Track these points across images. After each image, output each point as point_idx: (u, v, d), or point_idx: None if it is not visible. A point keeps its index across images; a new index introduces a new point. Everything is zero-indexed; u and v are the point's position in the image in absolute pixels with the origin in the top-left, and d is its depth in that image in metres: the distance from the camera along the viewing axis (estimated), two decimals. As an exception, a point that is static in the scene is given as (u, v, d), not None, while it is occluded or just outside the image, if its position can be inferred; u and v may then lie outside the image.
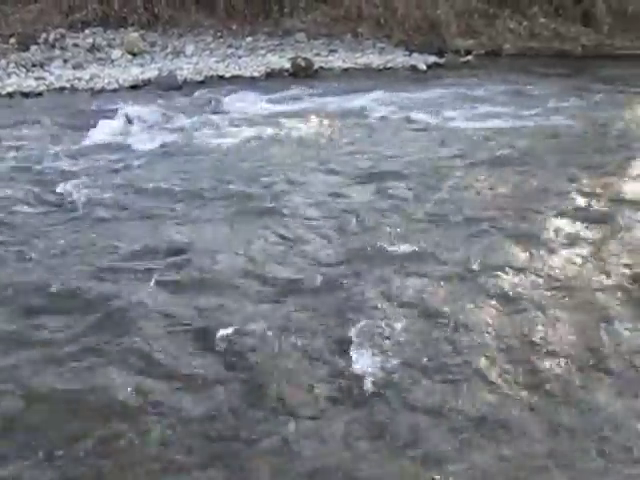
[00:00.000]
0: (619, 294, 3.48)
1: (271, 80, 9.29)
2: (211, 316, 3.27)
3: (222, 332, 3.10)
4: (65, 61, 9.88)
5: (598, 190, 4.98)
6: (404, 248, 3.98)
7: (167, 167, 5.59)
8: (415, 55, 10.32)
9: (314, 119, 7.01)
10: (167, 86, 8.80)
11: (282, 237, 4.16)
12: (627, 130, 6.79)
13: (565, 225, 4.36)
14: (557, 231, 4.26)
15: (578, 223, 4.37)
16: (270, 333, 3.11)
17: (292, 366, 2.90)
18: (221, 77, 9.52)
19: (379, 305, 3.37)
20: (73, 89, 8.83)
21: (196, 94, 8.45)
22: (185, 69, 9.62)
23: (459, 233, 4.23)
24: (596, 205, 4.69)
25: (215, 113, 7.47)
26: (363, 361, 2.89)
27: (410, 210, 4.59)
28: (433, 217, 4.46)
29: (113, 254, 3.94)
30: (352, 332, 3.10)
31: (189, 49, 10.66)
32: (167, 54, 10.49)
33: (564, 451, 2.43)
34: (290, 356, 2.97)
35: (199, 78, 9.42)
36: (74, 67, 9.63)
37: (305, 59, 9.69)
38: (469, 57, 10.35)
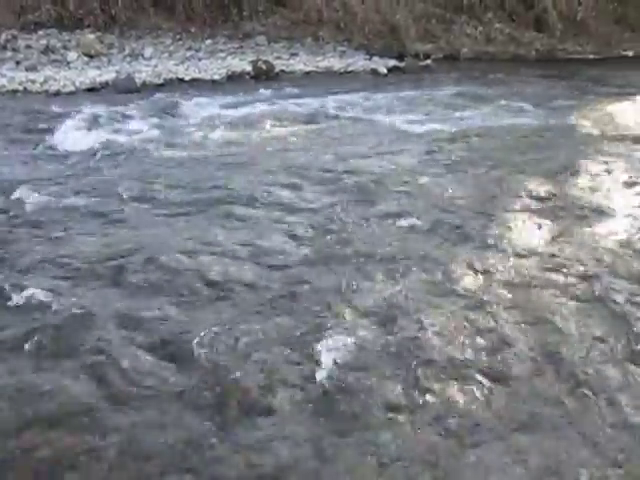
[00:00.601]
0: (572, 292, 3.60)
1: (232, 83, 9.24)
2: (167, 322, 3.22)
3: (180, 339, 3.05)
4: (18, 63, 9.58)
5: (555, 190, 5.13)
6: (364, 250, 4.02)
7: (124, 171, 5.48)
8: (375, 59, 10.43)
9: (276, 122, 7.00)
10: (125, 89, 8.65)
11: (242, 242, 4.12)
12: (581, 131, 7.02)
13: (523, 224, 4.47)
14: (516, 230, 4.37)
15: (535, 223, 4.50)
16: (230, 338, 3.08)
17: (254, 371, 2.88)
18: (181, 80, 9.42)
19: (341, 308, 3.38)
20: (26, 92, 8.57)
21: (155, 97, 8.31)
22: (144, 72, 9.47)
23: (420, 234, 4.29)
24: (552, 205, 4.83)
25: (175, 116, 7.37)
26: (326, 364, 2.89)
27: (373, 213, 4.62)
28: (394, 219, 4.50)
29: (65, 258, 3.84)
30: (314, 335, 3.10)
31: (148, 52, 10.51)
32: (125, 56, 10.31)
33: (523, 447, 2.49)
34: (251, 361, 2.95)
35: (158, 81, 9.29)
36: (27, 69, 9.35)
37: (266, 62, 9.68)
38: (428, 61, 10.53)
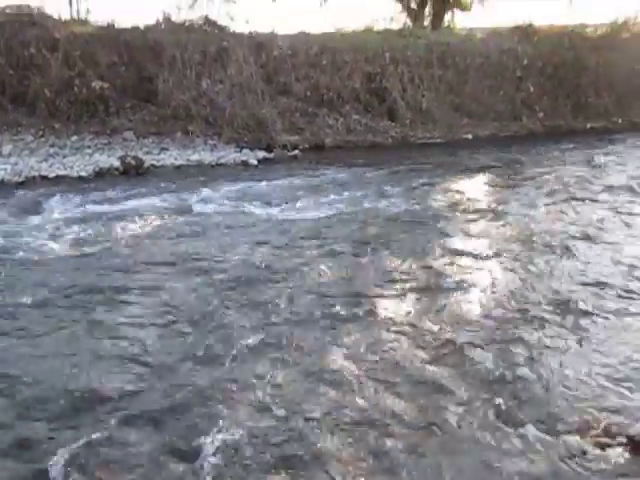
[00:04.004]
0: (440, 364, 3.87)
1: (100, 180, 9.07)
2: (30, 442, 2.98)
3: (46, 459, 2.83)
4: None
5: (418, 268, 5.55)
6: (242, 343, 4.05)
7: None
8: (246, 151, 10.83)
9: (143, 218, 6.94)
10: (-19, 190, 8.15)
11: (109, 344, 3.99)
12: (436, 210, 7.73)
13: (391, 303, 4.78)
14: (383, 310, 4.65)
15: (403, 301, 4.83)
16: (104, 449, 2.91)
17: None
18: (44, 177, 9.09)
19: (224, 405, 3.34)
20: None
21: (15, 196, 7.93)
22: (2, 170, 9.03)
23: (296, 321, 4.42)
24: (417, 282, 5.22)
25: (36, 216, 7.05)
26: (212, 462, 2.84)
27: (247, 304, 4.69)
28: (268, 308, 4.61)
29: None
30: (198, 437, 3.03)
31: (6, 149, 10.05)
32: (-20, 155, 9.77)
33: None
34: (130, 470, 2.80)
35: (19, 179, 8.90)
36: None
37: (135, 157, 9.66)
38: (296, 151, 11.15)
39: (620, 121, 15.19)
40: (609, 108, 15.21)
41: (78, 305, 4.62)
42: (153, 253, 5.87)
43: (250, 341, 4.08)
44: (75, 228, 6.54)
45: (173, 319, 4.40)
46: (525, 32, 15.84)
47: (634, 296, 4.84)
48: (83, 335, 4.13)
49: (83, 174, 9.28)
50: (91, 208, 7.35)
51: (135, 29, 12.15)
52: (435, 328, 4.36)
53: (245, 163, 10.35)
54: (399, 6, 19.41)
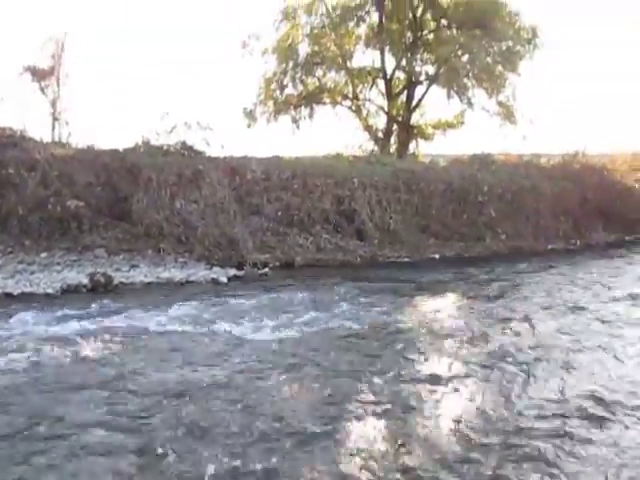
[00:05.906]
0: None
1: (67, 297, 8.94)
2: None
3: None
4: None
5: (386, 390, 5.47)
6: (190, 465, 3.86)
7: None
8: (216, 269, 10.90)
9: (104, 338, 6.75)
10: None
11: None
12: (404, 330, 7.74)
13: (360, 427, 4.65)
14: (352, 432, 4.52)
15: (372, 424, 4.71)
16: None
17: None
18: (9, 295, 8.93)
19: None
20: None
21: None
22: (-34, 289, 8.86)
23: (262, 443, 4.25)
24: (386, 405, 5.12)
25: (-4, 335, 6.83)
26: None
27: (205, 430, 4.52)
28: (232, 433, 4.44)
29: None
30: None
31: (-28, 266, 9.94)
32: (-57, 271, 9.61)
33: None
34: None
35: (-20, 298, 8.71)
36: None
37: (104, 274, 9.62)
38: (266, 269, 11.29)
39: (578, 243, 16.02)
40: (567, 231, 16.08)
41: (19, 427, 4.39)
42: (104, 375, 5.69)
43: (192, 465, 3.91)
44: (33, 349, 6.33)
45: (118, 448, 4.21)
46: (484, 161, 17.08)
47: (603, 419, 4.85)
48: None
49: (50, 291, 9.15)
50: (52, 328, 7.16)
51: (114, 152, 12.67)
52: (403, 452, 4.26)
53: (215, 281, 10.34)
54: (367, 135, 20.91)
